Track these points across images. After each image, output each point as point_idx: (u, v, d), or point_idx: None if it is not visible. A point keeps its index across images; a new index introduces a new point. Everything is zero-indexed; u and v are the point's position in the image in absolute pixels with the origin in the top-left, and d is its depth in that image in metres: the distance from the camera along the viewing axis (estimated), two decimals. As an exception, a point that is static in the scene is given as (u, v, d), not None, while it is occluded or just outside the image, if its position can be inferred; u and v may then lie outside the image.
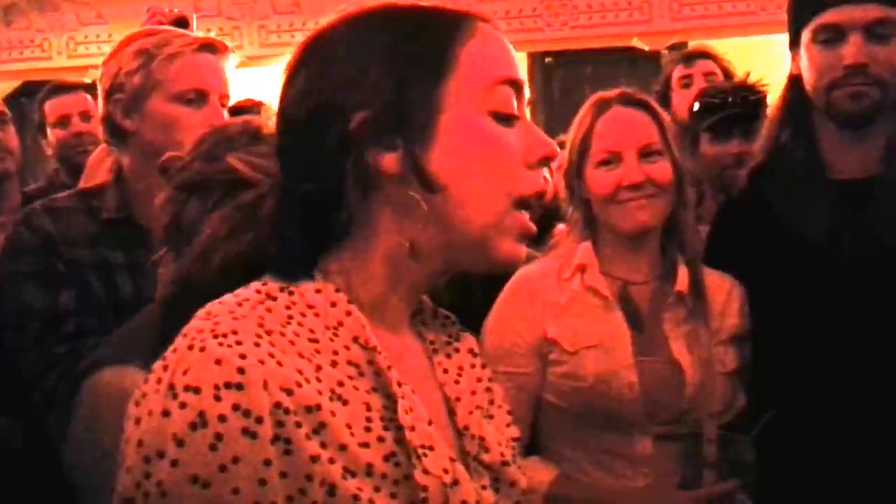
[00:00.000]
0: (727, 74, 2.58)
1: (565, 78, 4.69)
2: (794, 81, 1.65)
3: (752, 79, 2.26)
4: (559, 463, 1.56)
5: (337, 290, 0.77)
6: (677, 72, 2.66)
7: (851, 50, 1.51)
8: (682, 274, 1.57)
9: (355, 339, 0.75)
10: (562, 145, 1.61)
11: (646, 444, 1.51)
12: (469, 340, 0.92)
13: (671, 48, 4.55)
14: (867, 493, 1.49)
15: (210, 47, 1.63)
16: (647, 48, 4.71)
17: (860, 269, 1.51)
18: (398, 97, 0.76)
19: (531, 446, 1.60)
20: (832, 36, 1.54)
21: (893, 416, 1.48)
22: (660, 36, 4.67)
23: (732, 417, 1.54)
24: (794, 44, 1.64)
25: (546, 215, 2.88)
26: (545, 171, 0.82)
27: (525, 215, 0.80)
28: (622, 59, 4.72)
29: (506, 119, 0.79)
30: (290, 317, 0.74)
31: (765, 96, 2.17)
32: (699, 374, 1.52)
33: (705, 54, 2.70)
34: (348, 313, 0.76)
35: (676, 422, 1.52)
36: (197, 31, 2.00)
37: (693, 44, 2.89)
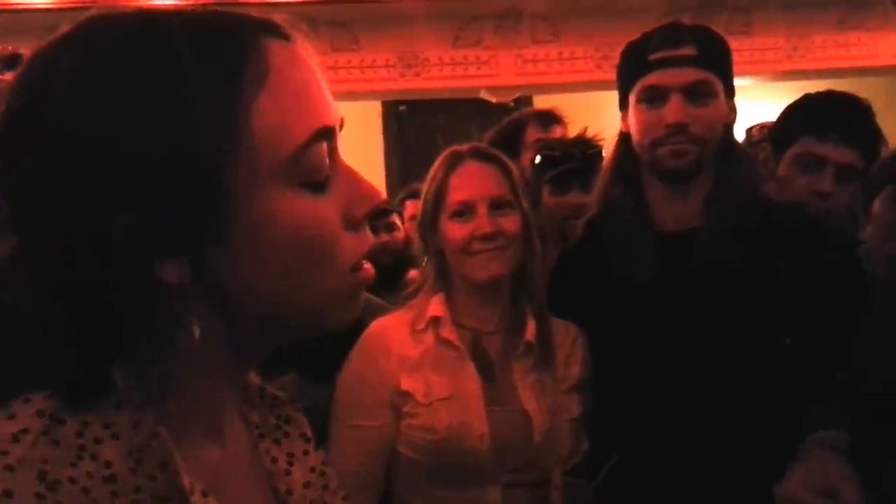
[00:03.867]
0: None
1: (419, 126, 4.80)
2: (623, 139, 1.73)
3: (589, 134, 2.36)
4: (413, 516, 1.55)
5: (140, 407, 0.59)
6: (532, 132, 2.65)
7: (672, 110, 1.58)
8: (531, 323, 1.61)
9: (163, 466, 0.60)
10: (415, 193, 1.63)
11: (496, 492, 1.52)
12: (300, 423, 0.80)
13: (516, 101, 4.74)
14: None
15: None
16: (494, 100, 4.88)
17: (686, 317, 1.58)
18: (173, 188, 0.56)
19: (385, 500, 1.59)
20: (655, 97, 1.62)
21: (726, 455, 1.53)
22: (506, 89, 4.86)
23: (576, 463, 1.58)
24: (623, 104, 1.71)
25: (400, 262, 2.92)
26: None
27: (361, 273, 0.66)
28: (472, 110, 4.87)
29: (319, 185, 0.62)
30: (83, 447, 0.57)
31: (601, 150, 2.26)
32: (546, 421, 1.55)
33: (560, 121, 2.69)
34: (154, 435, 0.60)
35: (525, 469, 1.54)
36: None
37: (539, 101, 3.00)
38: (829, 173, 1.85)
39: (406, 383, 1.55)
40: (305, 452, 0.78)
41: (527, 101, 5.30)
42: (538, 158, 2.29)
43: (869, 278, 1.70)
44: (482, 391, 1.55)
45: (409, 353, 1.58)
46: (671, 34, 1.64)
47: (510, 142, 2.56)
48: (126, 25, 0.59)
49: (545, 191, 2.23)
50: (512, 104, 5.00)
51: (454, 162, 1.62)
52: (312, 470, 0.77)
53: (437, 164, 1.65)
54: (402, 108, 4.88)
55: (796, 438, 1.43)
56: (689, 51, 1.60)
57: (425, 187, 1.65)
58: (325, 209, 0.62)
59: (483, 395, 1.55)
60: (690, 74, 1.60)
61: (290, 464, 0.75)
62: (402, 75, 4.66)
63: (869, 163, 1.88)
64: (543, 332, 1.62)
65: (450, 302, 1.63)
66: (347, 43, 4.45)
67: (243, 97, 0.57)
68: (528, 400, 1.56)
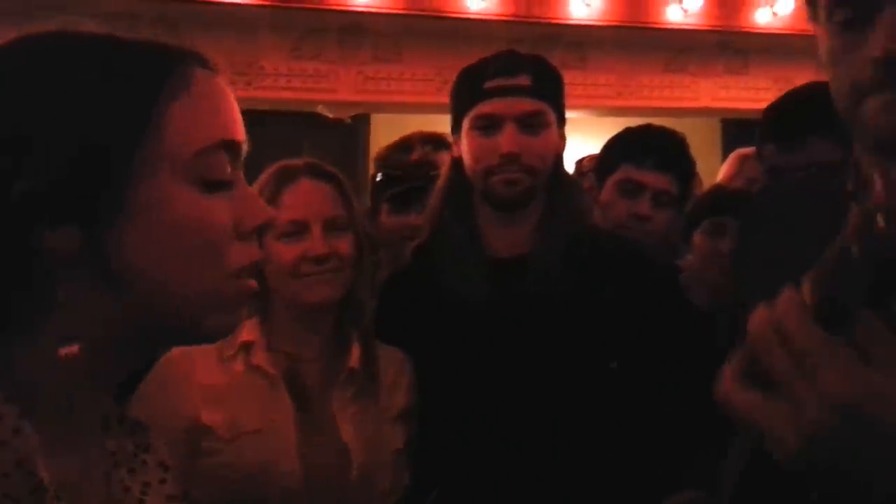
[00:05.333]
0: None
1: (248, 137, 4.62)
2: (456, 164, 1.72)
3: (432, 156, 2.33)
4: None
5: (6, 399, 0.60)
6: (418, 154, 2.63)
7: (507, 140, 1.59)
8: (355, 350, 1.54)
9: (18, 465, 0.59)
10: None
11: (308, 533, 1.42)
12: (160, 451, 0.80)
13: (354, 118, 4.68)
14: None
15: None
16: (330, 115, 4.80)
17: (515, 343, 1.57)
18: (78, 163, 0.62)
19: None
20: (489, 124, 1.62)
21: (553, 482, 1.53)
22: (344, 105, 4.79)
23: (397, 498, 1.51)
24: (456, 129, 1.70)
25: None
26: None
27: (243, 282, 0.70)
28: (307, 124, 4.76)
29: (216, 186, 0.68)
30: None
31: None
32: (366, 455, 1.48)
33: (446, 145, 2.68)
34: (16, 431, 0.59)
35: (342, 508, 1.45)
36: None
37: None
38: (647, 198, 1.96)
39: (207, 416, 1.42)
40: (162, 481, 0.77)
41: (365, 118, 5.25)
42: (379, 176, 2.27)
43: (688, 305, 1.79)
44: (296, 423, 1.45)
45: (213, 381, 1.46)
46: (507, 63, 1.64)
47: (399, 161, 2.50)
48: (61, 36, 0.67)
49: (384, 210, 2.23)
50: (349, 121, 4.94)
51: (286, 178, 1.53)
52: (170, 498, 0.77)
53: (264, 178, 1.54)
54: (231, 117, 4.71)
55: (623, 465, 1.45)
56: (524, 80, 1.61)
57: None
58: (218, 211, 0.68)
59: (296, 428, 1.45)
60: (525, 104, 1.61)
61: (145, 493, 0.75)
62: (233, 83, 4.45)
63: (684, 189, 2.02)
64: (368, 358, 1.55)
65: (266, 327, 1.52)
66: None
67: (160, 99, 0.65)
68: (347, 432, 1.48)
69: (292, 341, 1.53)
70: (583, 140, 4.48)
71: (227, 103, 0.71)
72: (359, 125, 5.16)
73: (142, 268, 0.65)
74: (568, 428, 1.54)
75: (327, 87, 4.71)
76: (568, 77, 1.74)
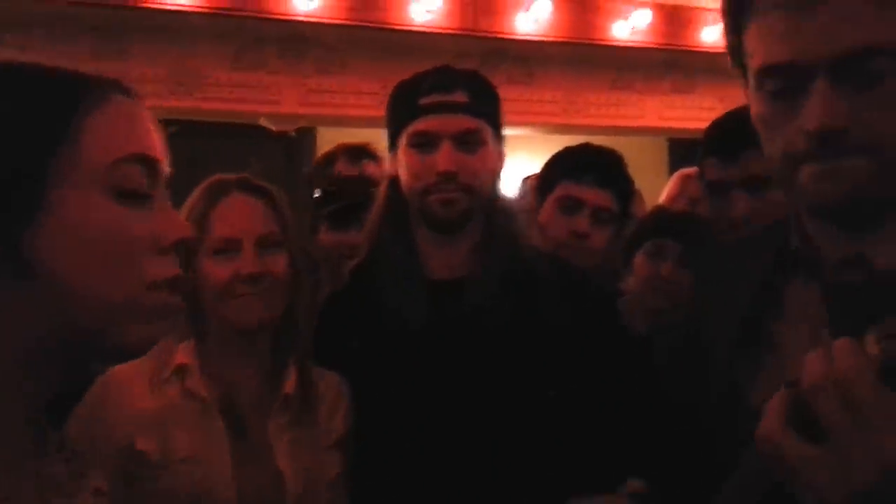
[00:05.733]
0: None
1: (189, 149, 4.52)
2: (393, 182, 1.68)
3: (372, 172, 2.30)
4: None
5: None
6: (341, 166, 2.61)
7: (442, 158, 1.56)
8: (291, 374, 1.50)
9: None
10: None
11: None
12: (96, 478, 0.82)
13: (299, 131, 4.62)
14: None
15: None
16: (274, 128, 4.72)
17: (453, 368, 1.55)
18: None
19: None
20: (426, 142, 1.58)
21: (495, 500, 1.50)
22: (288, 117, 4.71)
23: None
24: (392, 146, 1.67)
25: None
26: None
27: (163, 294, 0.73)
28: (250, 137, 4.69)
29: (131, 198, 0.71)
30: None
31: None
32: (302, 483, 1.44)
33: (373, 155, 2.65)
34: None
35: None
36: None
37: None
38: (586, 214, 1.97)
39: (141, 442, 1.38)
40: None
41: (310, 131, 5.18)
42: (317, 193, 2.24)
43: (625, 329, 1.77)
44: (231, 450, 1.41)
45: (146, 406, 1.41)
46: (443, 79, 1.61)
47: (322, 175, 2.47)
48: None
49: (323, 227, 2.20)
50: (293, 133, 4.88)
51: (218, 193, 1.49)
52: None
53: (197, 193, 1.50)
54: (172, 128, 4.60)
55: (562, 487, 1.45)
56: (460, 97, 1.59)
57: (182, 217, 1.48)
58: (133, 222, 0.71)
59: (232, 455, 1.41)
60: (461, 122, 1.58)
61: None
62: (173, 92, 4.38)
63: (623, 207, 2.04)
64: (305, 383, 1.51)
65: (201, 349, 1.48)
66: (112, 52, 4.12)
67: (76, 114, 0.69)
68: (283, 460, 1.44)
69: (227, 365, 1.49)
70: (529, 157, 4.47)
71: (144, 123, 0.74)
72: (304, 138, 5.11)
73: (59, 272, 0.67)
74: (506, 452, 1.52)
75: (270, 98, 4.64)
76: (514, 93, 1.73)
